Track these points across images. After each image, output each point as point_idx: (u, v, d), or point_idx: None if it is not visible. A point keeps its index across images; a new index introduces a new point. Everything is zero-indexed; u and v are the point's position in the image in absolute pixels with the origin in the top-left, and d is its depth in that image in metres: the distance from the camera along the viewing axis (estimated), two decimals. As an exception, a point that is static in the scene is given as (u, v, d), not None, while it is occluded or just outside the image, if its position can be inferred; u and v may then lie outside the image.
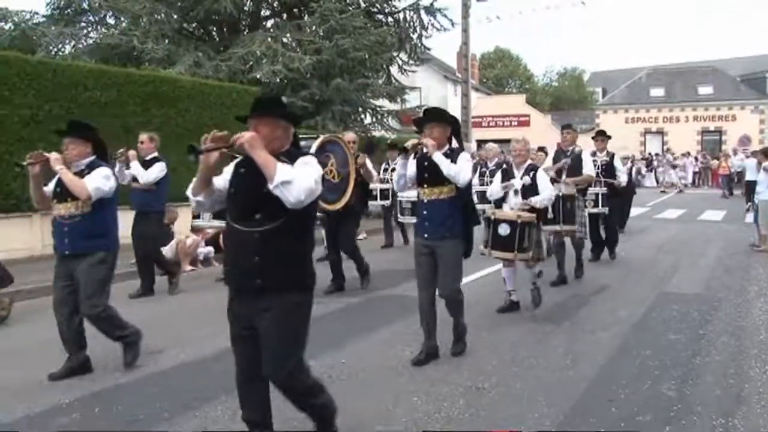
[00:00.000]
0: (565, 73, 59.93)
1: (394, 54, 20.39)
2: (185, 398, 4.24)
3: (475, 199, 9.41)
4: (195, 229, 9.20)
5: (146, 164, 7.19)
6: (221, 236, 8.25)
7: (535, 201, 6.21)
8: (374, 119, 20.55)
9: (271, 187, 2.83)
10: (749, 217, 13.16)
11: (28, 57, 10.96)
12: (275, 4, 20.09)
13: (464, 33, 22.12)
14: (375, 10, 20.40)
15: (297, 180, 2.83)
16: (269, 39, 17.44)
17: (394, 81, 21.18)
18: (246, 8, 19.01)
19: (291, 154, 3.06)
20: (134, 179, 7.19)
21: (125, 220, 7.32)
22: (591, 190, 8.63)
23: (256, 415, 3.23)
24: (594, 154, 9.23)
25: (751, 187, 14.19)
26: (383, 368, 4.84)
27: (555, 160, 8.11)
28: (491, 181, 7.38)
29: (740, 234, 12.35)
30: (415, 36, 20.52)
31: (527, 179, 6.30)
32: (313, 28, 18.22)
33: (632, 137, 36.94)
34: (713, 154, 32.05)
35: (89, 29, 18.56)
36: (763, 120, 36.07)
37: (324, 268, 7.62)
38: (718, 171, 25.51)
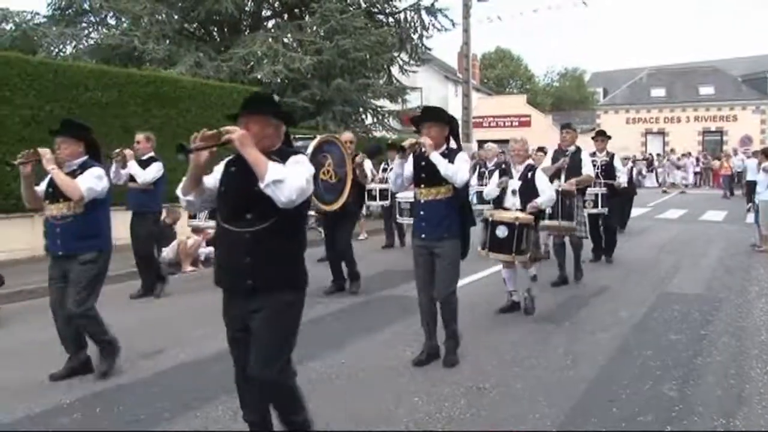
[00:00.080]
0: (566, 73, 59.96)
1: (395, 54, 20.41)
2: (186, 398, 4.24)
3: (474, 199, 9.42)
4: (195, 230, 9.20)
5: (143, 164, 7.13)
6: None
7: (541, 202, 6.16)
8: (375, 119, 20.57)
9: (262, 186, 2.79)
10: (750, 218, 13.14)
11: (29, 57, 10.95)
12: (276, 5, 20.11)
13: (465, 33, 22.12)
14: (376, 10, 20.42)
15: (288, 179, 2.79)
16: (270, 39, 17.47)
17: (394, 81, 21.19)
18: (247, 8, 19.04)
19: (282, 153, 3.02)
20: (131, 179, 7.14)
21: (124, 221, 7.34)
22: (590, 190, 8.57)
23: (255, 416, 3.21)
24: (594, 154, 9.17)
25: (751, 188, 14.19)
26: (384, 368, 4.84)
27: (554, 160, 8.06)
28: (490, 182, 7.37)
29: (741, 234, 12.35)
30: (415, 36, 20.54)
31: (519, 183, 6.26)
32: (314, 28, 18.25)
33: (633, 137, 36.91)
34: (714, 155, 32.03)
35: (90, 30, 18.58)
36: (764, 120, 36.04)
37: (325, 268, 7.64)
38: (720, 171, 25.46)
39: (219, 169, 3.15)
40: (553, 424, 3.85)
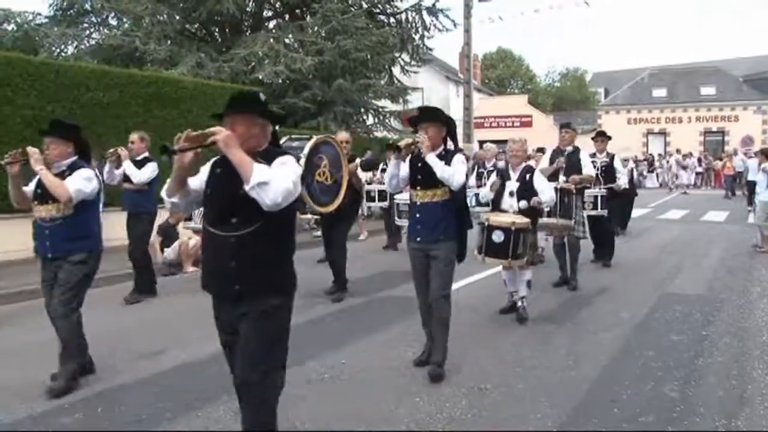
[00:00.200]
0: (567, 73, 59.99)
1: (396, 54, 20.42)
2: (187, 398, 4.24)
3: (473, 201, 9.32)
4: (196, 231, 9.20)
5: (137, 164, 7.08)
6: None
7: (544, 201, 6.12)
8: (376, 120, 20.57)
9: (246, 188, 2.72)
10: (752, 218, 13.13)
11: (31, 58, 10.96)
12: (277, 5, 20.13)
13: (466, 33, 22.14)
14: (377, 10, 20.44)
15: (274, 181, 2.72)
16: (271, 40, 17.47)
17: (396, 82, 21.20)
18: (248, 9, 19.05)
19: (269, 154, 2.94)
20: (125, 179, 7.09)
21: (121, 222, 7.38)
22: (590, 191, 8.44)
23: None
24: (593, 155, 9.08)
25: (752, 188, 14.18)
26: (385, 369, 4.84)
27: (552, 160, 7.92)
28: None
29: (743, 235, 12.34)
30: (417, 36, 20.55)
31: (517, 185, 6.18)
32: (315, 28, 18.26)
33: (634, 138, 36.90)
34: (715, 155, 32.01)
35: (92, 30, 18.60)
36: (765, 120, 36.00)
37: (325, 269, 7.63)
38: (723, 171, 25.42)
39: (205, 170, 3.08)
40: (555, 424, 3.85)
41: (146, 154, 7.26)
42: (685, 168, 30.01)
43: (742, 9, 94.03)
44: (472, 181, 10.39)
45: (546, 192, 6.16)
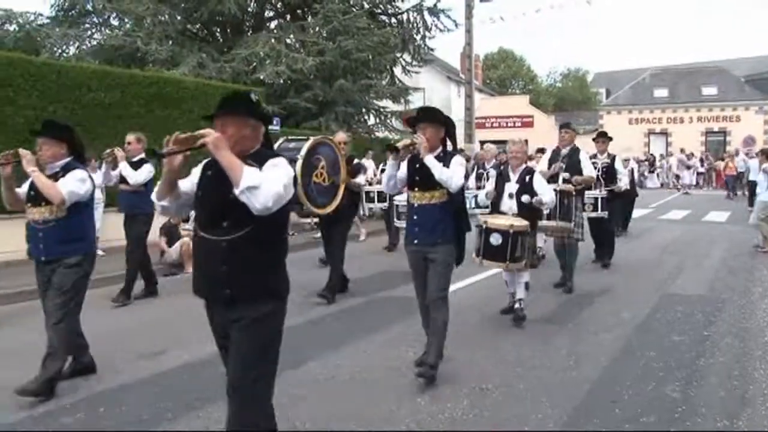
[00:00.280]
0: (568, 73, 59.92)
1: (398, 55, 20.45)
2: (188, 398, 4.24)
3: (472, 203, 9.25)
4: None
5: (134, 165, 7.03)
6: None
7: (546, 202, 6.06)
8: (378, 120, 20.58)
9: (236, 192, 2.66)
10: (753, 218, 13.10)
11: (33, 58, 10.98)
12: (279, 5, 20.14)
13: (468, 34, 22.17)
14: (378, 11, 20.47)
15: (264, 185, 2.66)
16: (273, 40, 17.49)
17: (397, 82, 21.22)
18: (250, 9, 19.07)
19: (260, 156, 2.88)
20: (121, 180, 7.05)
21: (119, 222, 7.37)
22: (590, 193, 8.32)
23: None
24: (594, 156, 9.04)
25: (753, 188, 14.15)
26: (386, 369, 4.84)
27: (551, 161, 7.85)
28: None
29: (744, 235, 12.31)
30: (418, 37, 20.58)
31: (516, 187, 6.11)
32: (317, 29, 18.28)
33: (636, 138, 36.85)
34: (717, 155, 31.97)
35: (93, 30, 18.63)
36: (767, 120, 35.95)
37: (326, 269, 7.62)
38: (725, 171, 25.38)
39: (197, 172, 3.03)
40: (556, 424, 3.85)
41: (143, 155, 7.24)
42: (689, 168, 29.91)
43: (742, 9, 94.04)
44: (472, 182, 10.32)
45: (546, 194, 6.09)
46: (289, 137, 6.53)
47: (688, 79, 39.26)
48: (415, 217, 4.70)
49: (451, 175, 4.46)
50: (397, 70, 21.13)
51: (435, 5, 20.06)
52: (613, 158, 9.21)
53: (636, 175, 19.53)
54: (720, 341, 5.53)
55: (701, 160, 31.49)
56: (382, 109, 20.52)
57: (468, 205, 6.94)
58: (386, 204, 11.12)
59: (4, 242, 9.06)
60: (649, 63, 55.36)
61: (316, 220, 8.33)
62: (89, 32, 18.45)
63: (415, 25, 20.43)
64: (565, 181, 7.43)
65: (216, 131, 2.78)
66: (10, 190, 4.52)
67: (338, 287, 7.48)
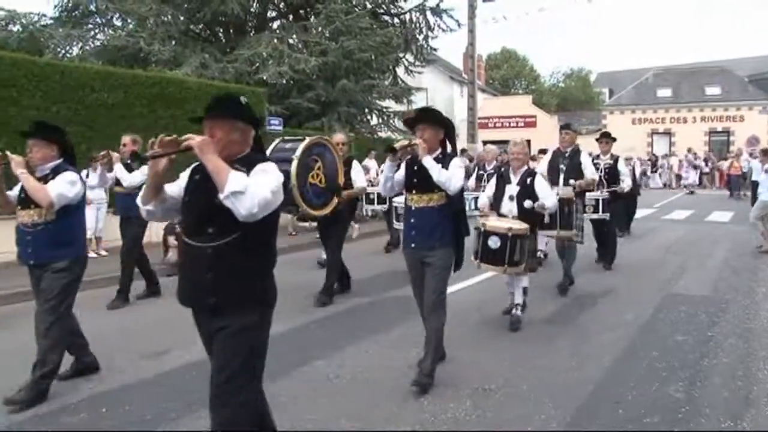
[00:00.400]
0: (571, 73, 59.83)
1: (400, 55, 20.46)
2: (191, 398, 4.24)
3: (471, 205, 9.17)
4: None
5: (129, 167, 6.91)
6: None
7: (548, 206, 5.93)
8: (380, 120, 20.59)
9: (221, 197, 2.59)
10: (752, 217, 13.05)
11: (36, 59, 11.00)
12: (281, 6, 20.16)
13: (470, 34, 22.18)
14: (381, 11, 20.48)
15: (250, 190, 2.58)
16: (275, 40, 17.49)
17: (400, 82, 21.23)
18: (252, 10, 19.08)
19: (249, 160, 2.80)
20: (117, 183, 6.99)
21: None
22: (591, 194, 8.15)
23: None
24: (597, 156, 8.98)
25: (756, 188, 14.10)
26: (389, 369, 4.83)
27: (551, 163, 7.77)
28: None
29: (748, 235, 12.28)
30: (421, 37, 20.59)
31: (517, 189, 6.00)
32: (319, 29, 18.29)
33: (639, 138, 36.82)
34: (720, 155, 31.91)
35: (96, 31, 18.66)
36: (771, 120, 35.88)
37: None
38: (730, 171, 25.30)
39: (185, 176, 2.96)
40: (559, 425, 3.84)
41: None
42: (696, 167, 29.81)
43: (742, 9, 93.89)
44: (472, 183, 10.28)
45: (549, 198, 5.97)
46: (285, 137, 6.47)
47: (692, 78, 39.19)
48: (412, 220, 4.61)
49: (450, 176, 4.37)
50: (400, 71, 21.14)
51: (438, 5, 20.07)
52: (616, 159, 9.07)
53: (638, 173, 19.48)
54: (724, 342, 5.51)
55: (705, 160, 31.43)
56: (384, 110, 20.53)
57: (467, 208, 6.88)
58: (385, 205, 10.98)
59: (1, 243, 9.08)
60: (650, 63, 55.25)
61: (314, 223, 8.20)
62: (92, 33, 18.49)
63: (417, 25, 20.43)
64: (567, 184, 7.38)
65: (205, 134, 2.74)
66: (1, 192, 4.46)
67: (339, 287, 7.47)
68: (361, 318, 6.52)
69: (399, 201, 9.31)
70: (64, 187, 4.31)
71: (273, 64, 16.63)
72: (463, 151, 19.77)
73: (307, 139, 5.95)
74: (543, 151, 12.76)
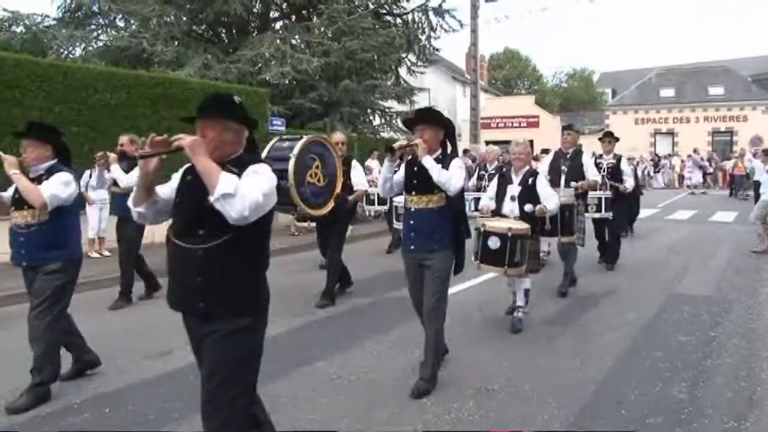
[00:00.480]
0: (574, 73, 59.74)
1: (403, 55, 20.47)
2: (194, 399, 4.20)
3: (471, 206, 9.12)
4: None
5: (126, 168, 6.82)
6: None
7: (550, 209, 5.85)
8: (383, 121, 20.59)
9: (211, 199, 2.52)
10: (752, 217, 13.02)
11: (39, 59, 11.03)
12: (284, 6, 20.18)
13: (473, 34, 22.16)
14: (383, 11, 20.49)
15: (241, 193, 2.51)
16: (278, 41, 17.52)
17: (402, 82, 21.24)
18: (255, 10, 19.10)
19: (242, 161, 2.74)
20: (114, 183, 6.91)
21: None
22: (593, 193, 8.13)
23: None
24: (600, 156, 8.95)
25: (758, 188, 14.07)
26: (392, 369, 4.83)
27: (553, 164, 7.71)
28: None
29: (752, 235, 12.23)
30: (423, 37, 20.60)
31: (519, 189, 5.94)
32: (322, 29, 18.31)
33: (642, 138, 36.79)
34: (724, 155, 31.85)
35: (99, 32, 18.71)
36: (774, 120, 35.80)
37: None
38: (734, 171, 25.25)
39: (177, 177, 2.89)
40: (562, 425, 3.84)
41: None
42: (702, 168, 29.72)
43: (742, 9, 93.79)
44: (473, 183, 10.25)
45: (551, 199, 5.90)
46: (283, 137, 6.44)
47: (695, 78, 39.15)
48: (411, 222, 4.54)
49: (450, 177, 4.30)
50: (402, 71, 21.15)
51: (440, 5, 20.08)
52: (618, 159, 9.00)
53: (639, 173, 19.44)
54: (727, 342, 5.50)
55: (708, 160, 31.38)
56: (387, 110, 20.54)
57: (467, 208, 6.82)
58: (386, 206, 10.90)
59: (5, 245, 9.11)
60: (651, 63, 55.21)
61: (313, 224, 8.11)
62: (95, 33, 18.54)
63: (420, 25, 20.44)
64: (568, 186, 7.33)
65: (197, 134, 2.69)
66: None
67: (341, 287, 7.44)
68: (363, 318, 6.52)
69: (399, 201, 9.29)
70: (57, 187, 4.25)
71: (276, 64, 16.65)
72: (466, 151, 19.77)
73: (305, 138, 5.88)
74: (545, 151, 12.72)
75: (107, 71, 11.72)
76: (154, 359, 5.16)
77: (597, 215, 8.42)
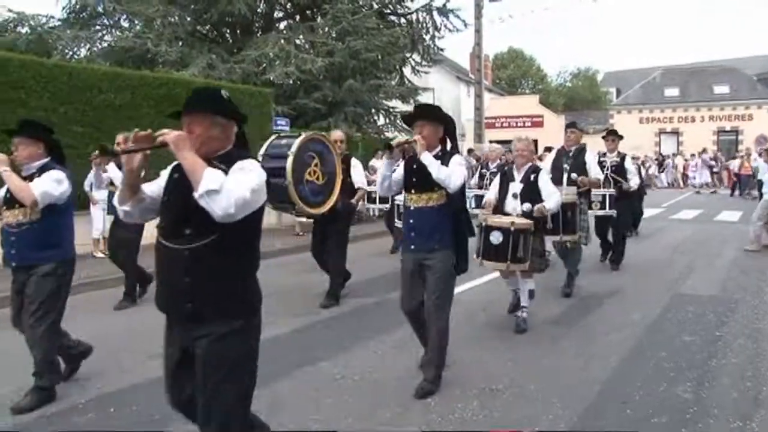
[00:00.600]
0: (578, 73, 59.72)
1: (407, 55, 20.46)
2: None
3: (473, 203, 9.07)
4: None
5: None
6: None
7: (549, 208, 5.78)
8: (387, 120, 20.58)
9: (196, 196, 2.43)
10: (755, 216, 12.96)
11: (44, 60, 11.07)
12: (288, 6, 20.19)
13: (477, 33, 22.14)
14: (387, 11, 20.48)
15: (226, 189, 2.41)
16: (282, 41, 17.53)
17: (406, 82, 21.22)
18: (259, 10, 19.11)
19: (230, 158, 2.65)
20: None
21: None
22: (597, 191, 8.06)
23: None
24: (604, 154, 8.90)
25: (762, 187, 14.02)
26: (396, 369, 4.83)
27: (555, 162, 7.65)
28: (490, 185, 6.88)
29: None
30: (427, 37, 20.57)
31: (521, 186, 5.87)
32: (326, 29, 18.31)
33: (647, 137, 36.71)
34: (729, 155, 31.74)
35: (104, 32, 18.74)
36: (780, 119, 35.67)
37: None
38: (741, 171, 25.18)
39: (165, 174, 2.82)
40: (567, 425, 3.83)
41: None
42: (711, 167, 29.63)
43: (744, 8, 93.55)
44: (474, 180, 10.20)
45: (552, 197, 5.83)
46: (281, 134, 6.40)
47: (700, 78, 39.03)
48: (411, 221, 4.45)
49: (450, 174, 4.19)
50: (407, 70, 21.13)
51: (444, 5, 20.05)
52: (622, 157, 8.96)
53: (643, 172, 19.37)
54: (732, 342, 5.48)
55: (714, 160, 31.30)
56: (391, 110, 20.53)
57: (468, 205, 6.77)
58: (388, 205, 10.80)
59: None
60: (653, 62, 55.05)
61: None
62: (100, 34, 18.57)
63: (424, 25, 20.41)
64: (570, 182, 7.29)
65: (183, 130, 2.63)
66: None
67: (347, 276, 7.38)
68: (367, 318, 6.52)
69: (401, 199, 9.23)
70: (49, 185, 4.16)
71: (280, 64, 16.66)
72: (471, 151, 19.77)
73: (303, 135, 5.80)
74: (549, 149, 12.67)
75: (112, 72, 11.75)
76: (159, 359, 5.10)
77: (601, 212, 8.38)
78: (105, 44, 18.20)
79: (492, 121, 35.10)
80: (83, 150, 8.39)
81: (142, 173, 2.72)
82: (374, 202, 11.41)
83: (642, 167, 17.05)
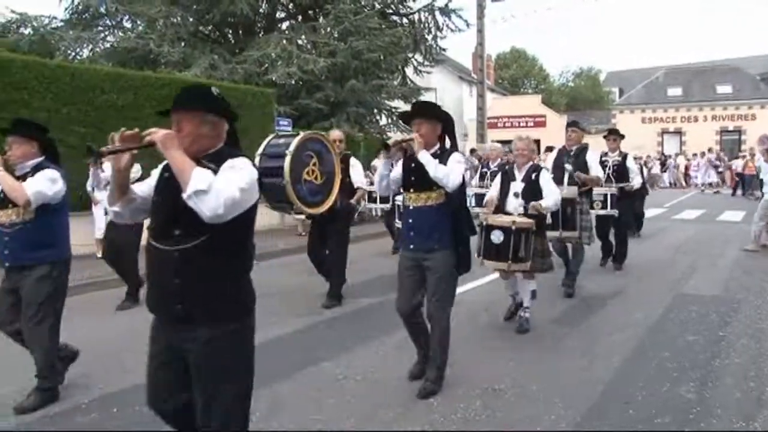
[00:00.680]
0: (581, 73, 59.69)
1: (409, 55, 20.48)
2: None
3: (473, 202, 9.02)
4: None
5: None
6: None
7: (545, 206, 5.72)
8: (389, 120, 20.59)
9: (184, 196, 2.37)
10: (756, 216, 12.93)
11: (47, 61, 11.11)
12: (290, 6, 20.21)
13: (479, 33, 22.12)
14: (389, 11, 20.50)
15: (215, 189, 2.35)
16: (284, 41, 17.55)
17: (409, 82, 21.23)
18: (261, 11, 19.14)
19: (220, 156, 2.58)
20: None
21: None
22: (598, 190, 8.02)
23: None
24: (605, 154, 8.86)
25: (763, 187, 13.98)
26: (398, 369, 4.82)
27: (556, 161, 7.58)
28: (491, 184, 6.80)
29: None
30: (429, 37, 20.60)
31: (522, 185, 5.84)
32: (328, 29, 18.33)
33: (649, 137, 36.66)
34: (732, 154, 31.68)
35: (106, 33, 18.80)
36: (783, 119, 35.59)
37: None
38: (745, 171, 25.13)
39: (156, 173, 2.77)
40: (569, 425, 3.83)
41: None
42: (716, 167, 29.56)
43: (745, 7, 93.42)
44: (475, 180, 10.17)
45: (551, 196, 5.77)
46: (280, 133, 6.40)
47: (702, 77, 38.97)
48: (410, 221, 4.39)
49: (448, 172, 4.13)
50: (409, 71, 21.14)
51: (446, 5, 20.07)
52: (624, 156, 8.92)
53: (644, 172, 19.33)
54: (735, 342, 5.47)
55: (717, 159, 31.26)
56: (393, 110, 20.53)
57: (468, 204, 6.75)
58: (388, 205, 10.75)
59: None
60: (655, 62, 54.92)
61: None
62: (102, 35, 18.63)
63: (426, 25, 20.43)
64: (572, 182, 7.26)
65: (173, 128, 2.58)
66: None
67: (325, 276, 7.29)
68: (369, 319, 6.52)
69: (400, 198, 9.20)
70: (43, 184, 4.11)
71: (282, 64, 16.68)
72: (473, 150, 19.75)
73: (302, 134, 5.81)
74: (550, 149, 12.63)
75: (114, 72, 11.78)
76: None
77: (602, 212, 8.34)
78: (107, 45, 18.26)
79: (494, 121, 35.09)
80: (86, 150, 8.38)
81: (133, 174, 2.67)
82: (375, 201, 11.40)
83: (644, 167, 16.96)
